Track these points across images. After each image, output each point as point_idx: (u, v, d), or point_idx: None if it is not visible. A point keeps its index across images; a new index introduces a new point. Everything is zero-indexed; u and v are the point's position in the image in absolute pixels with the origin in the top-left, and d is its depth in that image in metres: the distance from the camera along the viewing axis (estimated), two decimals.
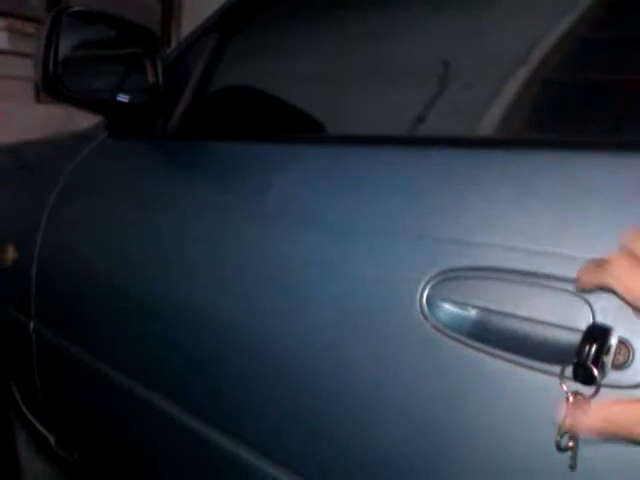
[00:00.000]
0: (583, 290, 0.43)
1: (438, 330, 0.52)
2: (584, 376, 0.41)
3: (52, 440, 1.16)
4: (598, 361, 0.40)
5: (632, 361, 0.43)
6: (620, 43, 0.64)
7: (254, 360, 0.70)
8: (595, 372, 0.40)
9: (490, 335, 0.50)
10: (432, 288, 0.54)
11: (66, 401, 1.12)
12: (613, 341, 0.42)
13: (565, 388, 0.42)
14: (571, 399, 0.42)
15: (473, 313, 0.52)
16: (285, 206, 0.71)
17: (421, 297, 0.54)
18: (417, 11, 0.83)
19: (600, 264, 0.40)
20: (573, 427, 0.40)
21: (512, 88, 0.67)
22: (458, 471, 0.52)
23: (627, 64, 0.61)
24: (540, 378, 0.46)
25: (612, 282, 0.38)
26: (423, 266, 0.55)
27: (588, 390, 0.42)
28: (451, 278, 0.53)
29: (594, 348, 0.40)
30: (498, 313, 0.50)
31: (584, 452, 0.43)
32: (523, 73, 0.67)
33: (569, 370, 0.42)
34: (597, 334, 0.41)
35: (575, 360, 0.41)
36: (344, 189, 0.67)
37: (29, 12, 2.93)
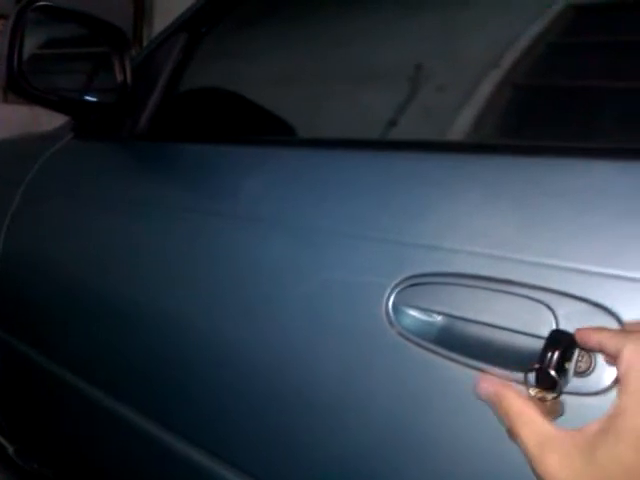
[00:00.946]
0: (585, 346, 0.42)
1: (403, 336, 0.52)
2: (546, 382, 0.40)
3: (10, 449, 1.13)
4: (560, 367, 0.40)
5: (594, 368, 0.42)
6: (591, 48, 0.65)
7: (222, 364, 0.69)
8: (556, 378, 0.40)
9: (454, 342, 0.50)
10: (398, 294, 0.53)
11: (25, 410, 1.09)
12: (576, 348, 0.41)
13: (532, 393, 0.42)
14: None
15: (438, 319, 0.52)
16: (255, 209, 0.70)
17: (387, 303, 0.54)
18: (389, 14, 0.83)
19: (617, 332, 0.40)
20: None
21: (483, 92, 0.67)
22: (420, 473, 0.52)
23: (597, 69, 0.62)
24: None
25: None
26: (389, 271, 0.54)
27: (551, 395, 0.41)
28: (416, 284, 0.53)
29: (556, 354, 0.40)
30: (462, 319, 0.50)
31: None
32: (494, 77, 0.67)
33: (532, 375, 0.42)
34: (560, 340, 0.41)
35: (537, 366, 0.40)
36: (313, 192, 0.67)
37: None
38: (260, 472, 0.65)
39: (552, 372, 0.40)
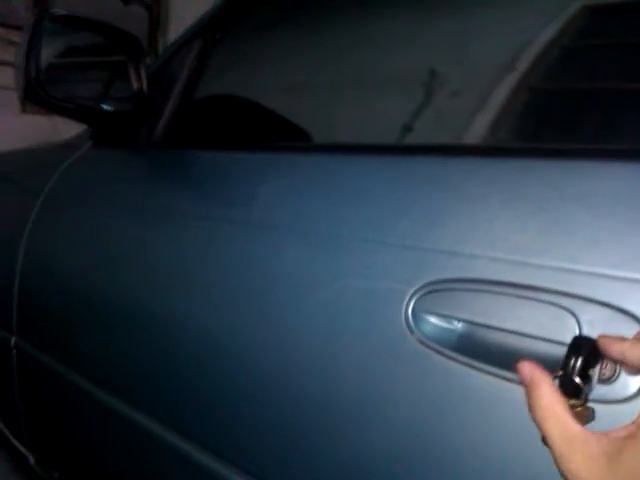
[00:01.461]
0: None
1: (423, 343, 0.51)
2: (570, 389, 0.39)
3: (31, 459, 1.14)
4: (584, 374, 0.39)
5: (619, 375, 0.42)
6: (606, 50, 0.64)
7: (238, 372, 0.69)
8: (580, 384, 0.39)
9: (475, 349, 0.49)
10: (417, 300, 0.53)
11: (47, 419, 1.09)
12: (599, 355, 0.41)
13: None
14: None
15: (459, 326, 0.51)
16: (271, 215, 0.70)
17: (406, 310, 0.53)
18: (404, 20, 0.83)
19: None
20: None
21: (499, 96, 0.67)
22: None
23: (614, 71, 0.61)
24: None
25: None
26: (408, 278, 0.54)
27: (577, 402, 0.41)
28: (436, 290, 0.52)
29: (580, 361, 0.39)
30: (483, 326, 0.49)
31: None
32: (510, 81, 0.67)
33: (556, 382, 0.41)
34: (583, 346, 0.40)
35: (561, 372, 0.40)
36: (330, 198, 0.66)
37: (14, 20, 2.90)
38: (276, 477, 0.65)
39: (576, 379, 0.39)
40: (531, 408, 0.39)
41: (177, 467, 0.78)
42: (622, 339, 0.40)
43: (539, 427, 0.39)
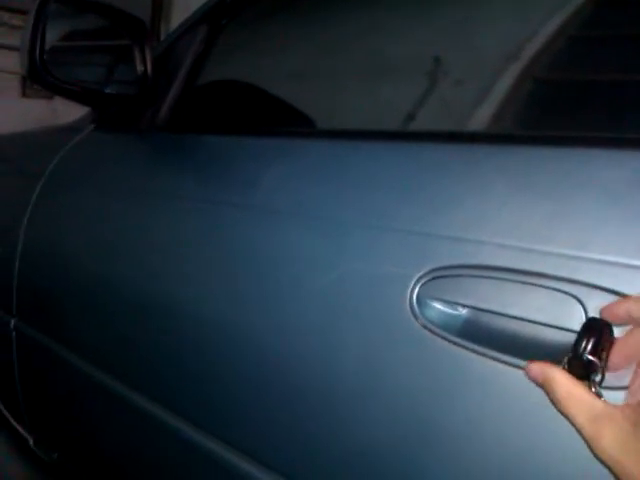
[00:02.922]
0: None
1: (427, 329, 0.51)
2: (581, 369, 0.39)
3: (31, 440, 1.14)
4: (595, 352, 0.39)
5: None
6: (610, 40, 0.64)
7: (240, 356, 0.69)
8: (594, 360, 0.39)
9: (480, 334, 0.49)
10: (422, 286, 0.53)
11: (46, 401, 1.09)
12: (610, 337, 0.41)
13: None
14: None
15: (463, 312, 0.51)
16: (274, 200, 0.70)
17: (411, 295, 0.53)
18: (409, 7, 0.82)
19: None
20: None
21: (504, 85, 0.67)
22: (445, 468, 0.51)
23: (619, 62, 0.61)
24: None
25: None
26: (413, 263, 0.54)
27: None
28: (442, 276, 0.52)
29: (592, 341, 0.39)
30: (488, 312, 0.49)
31: None
32: (514, 70, 0.66)
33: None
34: (594, 326, 0.40)
35: (571, 354, 0.40)
36: (334, 183, 0.66)
37: (16, 4, 2.88)
38: (278, 464, 0.65)
39: (589, 357, 0.39)
40: (554, 404, 0.40)
41: (174, 448, 0.78)
42: (625, 299, 0.40)
43: (567, 418, 0.39)
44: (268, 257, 0.67)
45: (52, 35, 0.96)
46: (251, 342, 0.68)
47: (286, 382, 0.64)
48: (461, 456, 0.50)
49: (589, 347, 0.39)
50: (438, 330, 0.51)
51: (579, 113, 0.61)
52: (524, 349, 0.47)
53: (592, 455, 0.38)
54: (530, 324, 0.47)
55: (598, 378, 0.40)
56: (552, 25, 0.66)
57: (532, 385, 0.44)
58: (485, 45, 0.71)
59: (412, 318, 0.52)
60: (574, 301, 0.44)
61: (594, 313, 0.43)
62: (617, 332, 0.41)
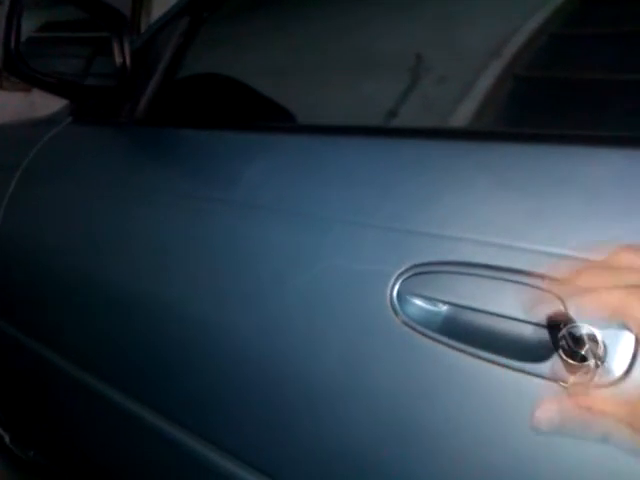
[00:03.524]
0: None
1: (408, 325, 0.51)
2: (569, 348, 0.39)
3: (7, 438, 1.12)
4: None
5: (605, 360, 0.41)
6: (591, 38, 0.64)
7: (221, 353, 0.68)
8: (592, 333, 0.39)
9: (460, 331, 0.49)
10: (403, 283, 0.52)
11: (22, 397, 1.08)
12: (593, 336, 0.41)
13: (571, 380, 0.41)
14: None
15: (444, 309, 0.51)
16: (254, 195, 0.69)
17: (392, 292, 0.53)
18: (392, 3, 0.82)
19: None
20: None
21: (485, 82, 0.67)
22: (424, 465, 0.51)
23: (599, 59, 0.61)
24: (509, 375, 0.45)
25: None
26: (394, 259, 0.54)
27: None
28: (422, 272, 0.52)
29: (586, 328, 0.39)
30: (468, 308, 0.49)
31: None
32: (496, 67, 0.66)
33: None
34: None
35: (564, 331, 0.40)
36: (314, 179, 0.66)
37: None
38: (261, 463, 0.65)
39: (586, 329, 0.39)
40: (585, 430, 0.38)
41: (155, 446, 0.78)
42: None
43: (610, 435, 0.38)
44: (249, 253, 0.67)
45: (28, 26, 0.94)
46: (232, 340, 0.67)
47: (267, 381, 0.63)
48: (441, 451, 0.50)
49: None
50: (418, 327, 0.51)
51: (559, 111, 0.61)
52: (504, 346, 0.47)
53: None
54: (510, 321, 0.47)
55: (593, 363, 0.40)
56: (534, 23, 0.66)
57: (512, 382, 0.44)
58: (467, 42, 0.71)
59: (392, 314, 0.52)
60: (553, 298, 0.44)
61: (573, 310, 0.43)
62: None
